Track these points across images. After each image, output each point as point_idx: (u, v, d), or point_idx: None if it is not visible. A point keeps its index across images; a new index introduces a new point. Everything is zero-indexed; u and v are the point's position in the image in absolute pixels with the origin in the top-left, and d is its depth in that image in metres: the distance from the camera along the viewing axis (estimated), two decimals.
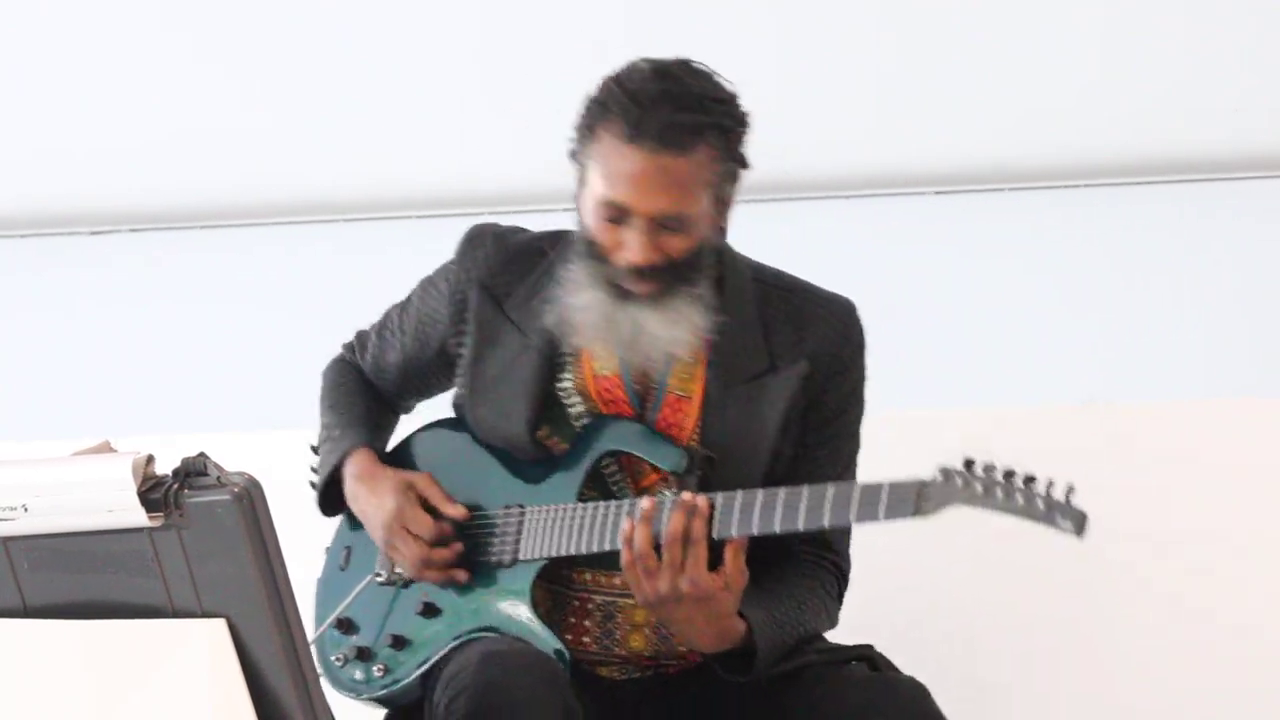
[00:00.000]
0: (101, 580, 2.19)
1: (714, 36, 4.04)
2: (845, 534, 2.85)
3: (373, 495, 2.83)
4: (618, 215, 2.68)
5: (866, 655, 2.76)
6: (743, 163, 2.73)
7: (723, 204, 2.74)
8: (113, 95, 4.25)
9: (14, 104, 4.28)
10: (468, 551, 2.81)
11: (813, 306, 2.81)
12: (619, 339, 2.72)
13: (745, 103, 2.73)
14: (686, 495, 2.64)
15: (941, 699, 2.68)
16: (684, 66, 2.70)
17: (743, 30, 4.05)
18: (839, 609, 2.84)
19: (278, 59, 4.19)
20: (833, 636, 2.86)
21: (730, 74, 3.75)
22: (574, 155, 2.74)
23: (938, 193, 4.09)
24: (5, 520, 2.18)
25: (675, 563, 2.61)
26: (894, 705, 2.63)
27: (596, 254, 2.71)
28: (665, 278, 2.70)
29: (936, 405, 3.87)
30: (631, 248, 2.67)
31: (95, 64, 4.24)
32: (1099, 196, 4.05)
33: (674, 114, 2.64)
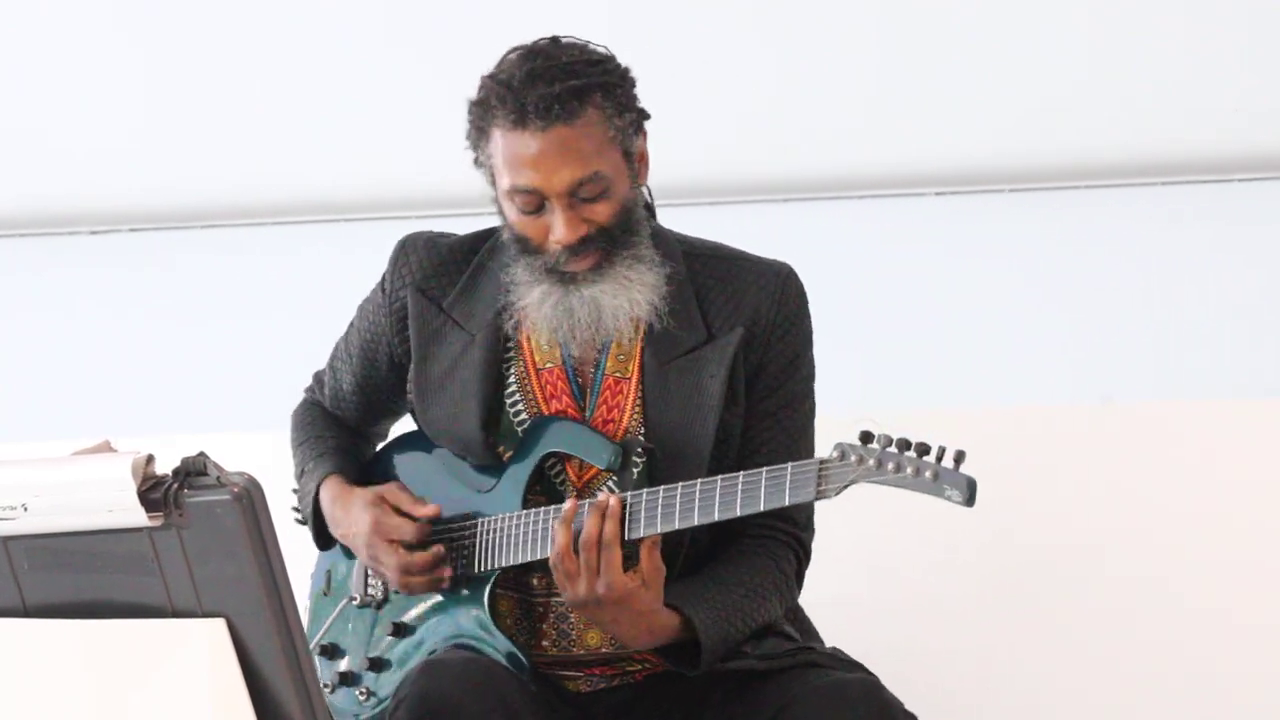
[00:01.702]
0: (101, 580, 2.19)
1: (714, 37, 4.05)
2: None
3: (347, 516, 2.84)
4: (534, 203, 2.69)
5: (810, 661, 2.73)
6: (643, 114, 2.74)
7: (634, 158, 2.74)
8: (113, 95, 4.25)
9: (14, 104, 4.28)
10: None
11: (746, 273, 2.80)
12: (579, 323, 2.72)
13: (623, 60, 2.75)
14: (600, 497, 2.64)
15: (934, 701, 2.68)
16: (550, 43, 2.73)
17: (743, 30, 4.05)
18: (797, 584, 2.82)
19: (278, 59, 4.19)
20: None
21: (730, 74, 3.76)
22: (476, 163, 2.76)
23: (938, 193, 4.09)
24: (5, 520, 2.18)
25: (591, 566, 2.62)
26: (847, 702, 2.62)
27: (530, 249, 2.72)
28: (600, 247, 2.70)
29: (938, 405, 3.87)
30: (557, 229, 2.68)
31: (96, 64, 4.24)
32: (1099, 197, 4.05)
33: (549, 87, 2.65)
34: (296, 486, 2.98)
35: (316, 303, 4.07)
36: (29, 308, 4.31)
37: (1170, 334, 3.92)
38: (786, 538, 2.80)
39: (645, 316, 2.74)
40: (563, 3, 4.01)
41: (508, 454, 2.81)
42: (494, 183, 2.74)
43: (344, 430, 2.99)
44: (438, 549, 2.79)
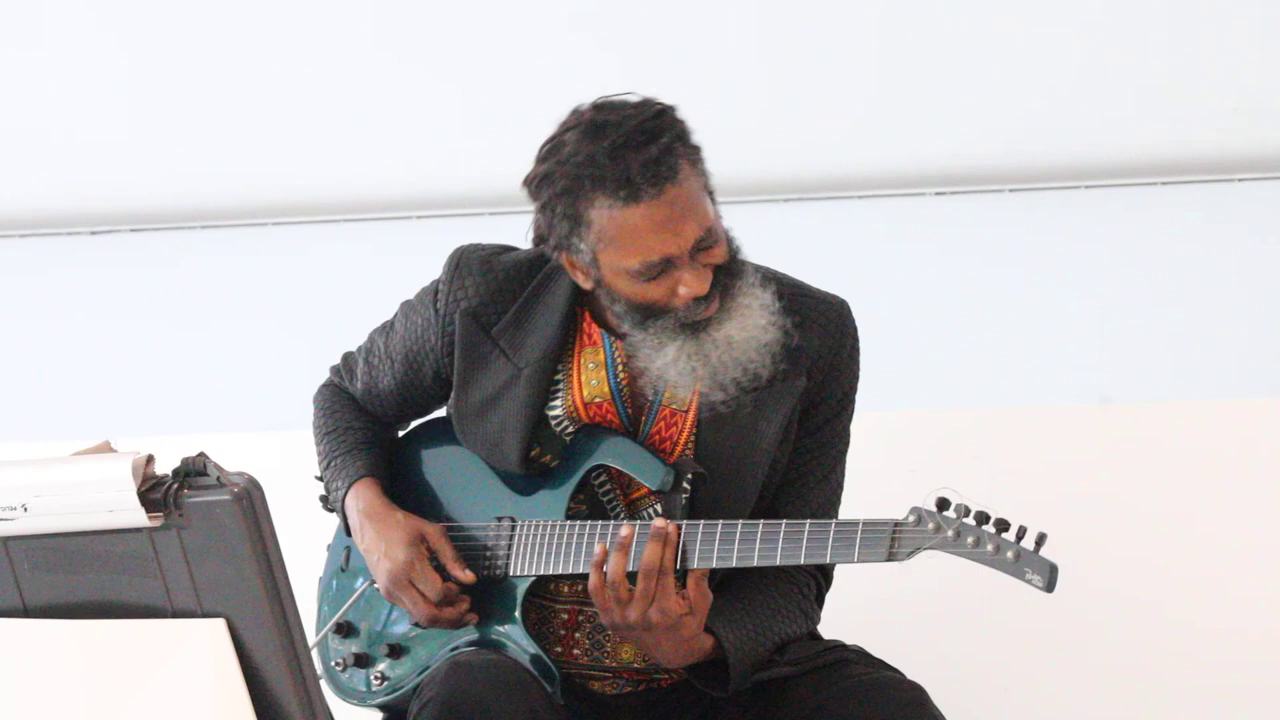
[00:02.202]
0: (101, 580, 2.19)
1: (715, 37, 4.05)
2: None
3: (381, 540, 2.80)
4: (659, 270, 2.63)
5: (842, 658, 2.74)
6: (700, 147, 2.69)
7: (714, 194, 2.71)
8: (113, 95, 4.25)
9: (14, 104, 4.28)
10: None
11: (807, 310, 2.77)
12: (716, 366, 2.68)
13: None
14: (659, 523, 2.62)
15: (946, 700, 2.68)
16: (597, 111, 2.65)
17: (744, 31, 4.05)
18: (819, 610, 2.83)
19: (279, 60, 4.20)
20: (826, 632, 2.86)
21: (731, 75, 3.76)
22: (564, 249, 2.67)
23: (938, 193, 4.09)
24: (5, 520, 2.18)
25: (649, 593, 2.61)
26: (893, 707, 2.62)
27: (655, 312, 2.66)
28: (723, 283, 2.66)
29: (937, 405, 3.87)
30: (690, 284, 2.63)
31: (95, 64, 4.24)
32: (1099, 197, 4.05)
33: (641, 153, 2.59)
34: (321, 475, 2.93)
35: (317, 303, 4.08)
36: (29, 308, 4.32)
37: (1170, 334, 3.92)
38: (808, 568, 2.80)
39: (775, 339, 2.70)
40: (561, 4, 4.01)
41: (554, 463, 2.79)
42: (594, 266, 2.66)
43: (372, 422, 2.94)
44: (462, 610, 2.76)
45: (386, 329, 2.92)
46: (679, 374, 2.68)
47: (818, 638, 2.82)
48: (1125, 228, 4.02)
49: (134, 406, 4.14)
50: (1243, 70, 3.97)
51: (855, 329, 2.81)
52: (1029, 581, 2.44)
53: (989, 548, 2.46)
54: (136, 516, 2.14)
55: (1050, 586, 2.44)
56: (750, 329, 2.68)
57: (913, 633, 3.60)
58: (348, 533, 2.89)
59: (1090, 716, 3.68)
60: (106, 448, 2.28)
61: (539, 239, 2.70)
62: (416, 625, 2.81)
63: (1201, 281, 3.96)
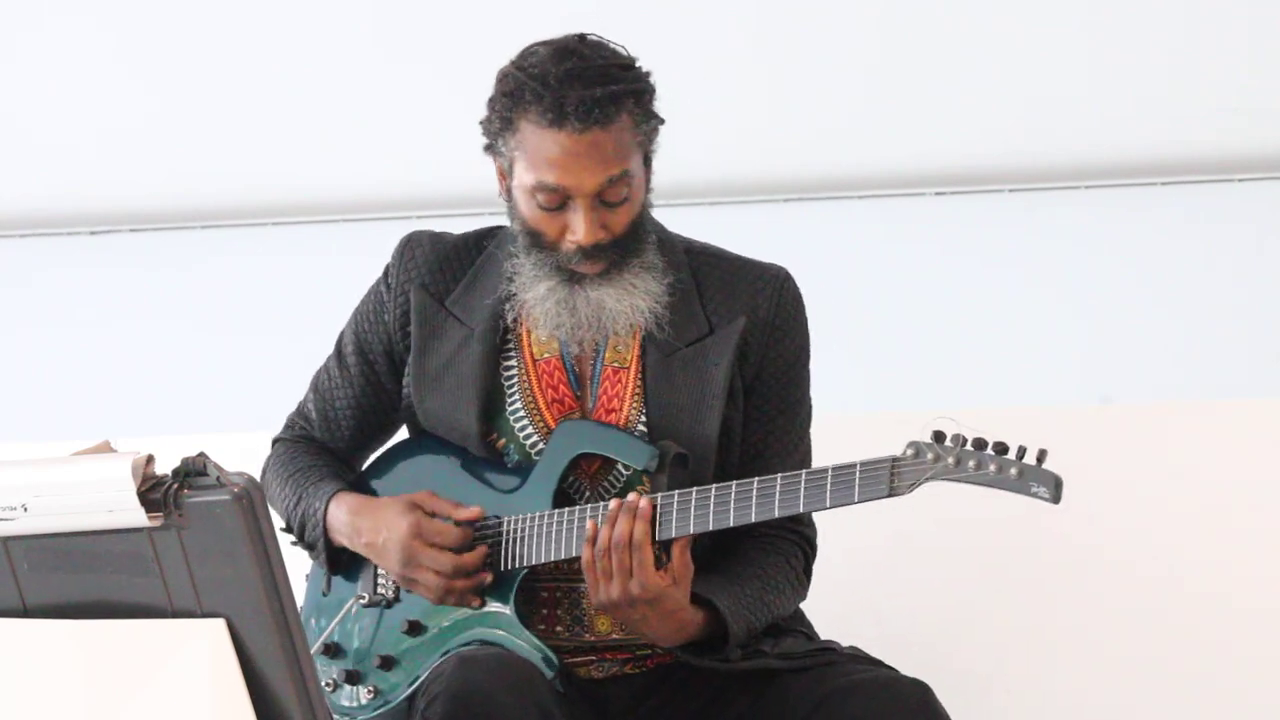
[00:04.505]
0: (101, 580, 2.19)
1: (714, 37, 4.05)
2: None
3: (378, 523, 2.80)
4: (557, 201, 2.70)
5: (830, 660, 2.74)
6: (659, 119, 2.76)
7: (649, 162, 2.77)
8: (114, 94, 4.25)
9: (14, 103, 4.28)
10: None
11: (745, 273, 2.82)
12: (581, 323, 2.74)
13: (645, 65, 2.76)
14: (631, 497, 2.65)
15: (943, 700, 2.68)
16: (580, 41, 2.74)
17: (743, 30, 4.05)
18: (808, 581, 2.84)
19: (279, 59, 4.20)
20: (824, 632, 2.86)
21: (731, 74, 3.77)
22: (490, 150, 2.77)
23: (938, 193, 4.09)
24: (5, 520, 2.18)
25: (623, 567, 2.63)
26: (898, 705, 2.62)
27: (541, 244, 2.73)
28: (613, 253, 2.73)
29: (937, 405, 3.87)
30: (577, 230, 2.70)
31: (95, 64, 4.24)
32: (1099, 197, 4.05)
33: (588, 89, 2.66)
34: (289, 515, 2.90)
35: (317, 303, 4.07)
36: (29, 308, 4.31)
37: (1170, 334, 3.92)
38: (793, 536, 2.81)
39: (645, 325, 2.76)
40: (561, 3, 4.01)
41: (500, 441, 2.81)
42: (509, 173, 2.75)
43: (334, 459, 2.95)
44: (482, 550, 2.76)
45: (336, 350, 2.96)
46: (544, 313, 2.76)
47: (812, 637, 2.82)
48: (1125, 228, 4.01)
49: (134, 406, 4.15)
50: (1243, 70, 3.97)
51: (796, 293, 2.84)
52: (1035, 494, 2.44)
53: (991, 469, 2.47)
54: (136, 516, 2.14)
55: (1056, 497, 2.43)
56: (624, 304, 2.74)
57: (911, 631, 3.61)
58: (330, 564, 2.89)
59: (1090, 716, 3.68)
60: (106, 448, 2.28)
61: (482, 127, 2.78)
62: (408, 634, 2.81)
63: (1201, 281, 3.96)
